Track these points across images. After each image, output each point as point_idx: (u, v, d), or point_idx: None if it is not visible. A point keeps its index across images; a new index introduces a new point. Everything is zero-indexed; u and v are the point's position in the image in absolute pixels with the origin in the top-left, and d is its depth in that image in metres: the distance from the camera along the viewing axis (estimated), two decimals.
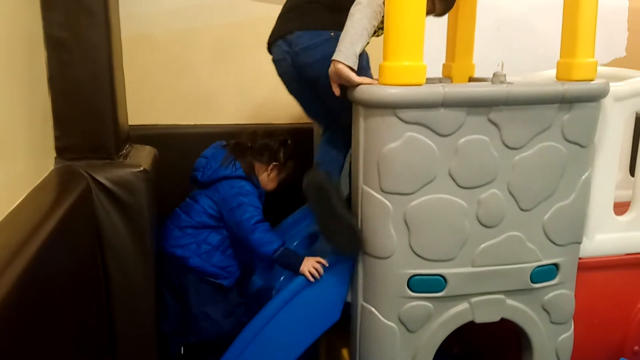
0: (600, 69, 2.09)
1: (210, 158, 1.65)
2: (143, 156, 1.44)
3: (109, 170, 1.29)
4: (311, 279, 1.45)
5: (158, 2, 1.98)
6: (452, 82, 1.91)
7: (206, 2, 2.02)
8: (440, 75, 1.96)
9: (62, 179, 1.21)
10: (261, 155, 1.66)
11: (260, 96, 2.12)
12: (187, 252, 1.56)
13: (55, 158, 1.30)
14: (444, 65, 1.96)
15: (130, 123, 1.60)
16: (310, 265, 1.45)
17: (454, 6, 1.85)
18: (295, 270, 1.46)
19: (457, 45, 1.88)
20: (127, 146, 1.49)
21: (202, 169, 1.63)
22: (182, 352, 1.68)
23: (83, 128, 1.31)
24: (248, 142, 1.68)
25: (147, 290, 1.37)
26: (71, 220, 1.07)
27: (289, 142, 1.71)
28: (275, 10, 2.07)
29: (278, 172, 1.69)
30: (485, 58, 2.30)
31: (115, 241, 1.28)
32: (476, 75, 1.94)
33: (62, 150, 1.30)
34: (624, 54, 2.62)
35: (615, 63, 2.60)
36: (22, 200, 1.04)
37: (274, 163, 1.67)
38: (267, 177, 1.68)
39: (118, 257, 1.29)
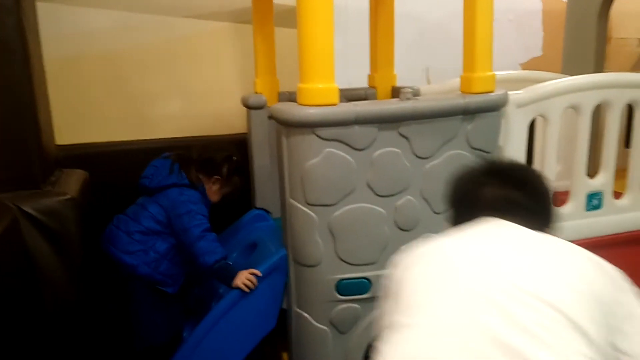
0: (514, 73, 2.28)
1: (159, 167, 1.68)
2: (72, 182, 1.47)
3: (36, 200, 1.31)
4: (246, 289, 1.51)
5: (84, 24, 1.98)
6: (376, 91, 2.01)
7: (132, 22, 2.04)
8: (366, 85, 2.07)
9: None
10: (204, 168, 1.71)
11: (192, 109, 2.17)
12: (136, 259, 1.58)
13: None
14: (368, 75, 2.06)
15: (62, 143, 1.61)
16: (243, 278, 1.51)
17: (374, 19, 1.96)
18: (229, 284, 1.52)
19: (379, 57, 1.98)
20: (56, 172, 1.51)
21: (150, 176, 1.67)
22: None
23: (7, 160, 1.32)
24: (194, 155, 1.72)
25: (80, 315, 1.39)
26: (1, 253, 1.10)
27: (233, 158, 1.76)
28: (202, 26, 2.13)
29: (220, 186, 1.74)
30: (410, 64, 2.45)
31: (46, 268, 1.30)
32: (400, 83, 2.04)
33: None
34: (541, 53, 2.81)
35: (533, 62, 2.80)
36: None
37: (216, 177, 1.72)
38: (211, 190, 1.73)
39: (50, 285, 1.31)
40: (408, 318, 0.79)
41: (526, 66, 2.79)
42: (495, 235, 0.87)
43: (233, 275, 1.52)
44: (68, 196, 1.35)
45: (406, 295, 0.83)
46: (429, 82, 2.62)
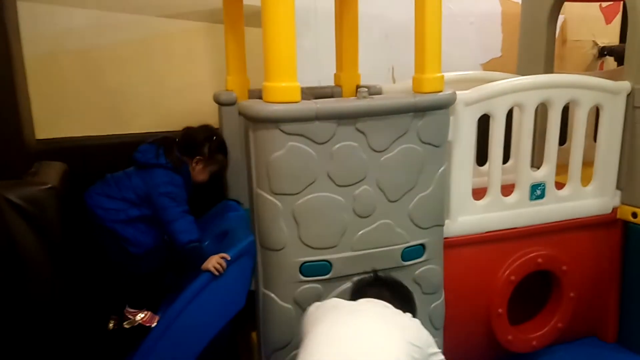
0: (472, 73, 2.43)
1: (148, 149, 1.77)
2: (52, 173, 1.57)
3: (18, 189, 1.41)
4: (216, 273, 1.63)
5: (62, 22, 2.06)
6: (342, 90, 2.14)
7: (108, 21, 2.13)
8: (333, 84, 2.20)
9: None
10: (186, 150, 1.80)
11: (167, 105, 2.26)
12: (108, 215, 1.67)
13: None
14: (335, 75, 2.19)
15: (40, 137, 1.70)
16: (214, 262, 1.63)
17: (339, 20, 2.09)
18: (199, 266, 1.64)
19: (344, 57, 2.11)
20: (36, 163, 1.60)
21: (143, 152, 1.76)
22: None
23: None
24: (176, 137, 1.82)
25: (61, 295, 1.50)
26: None
27: (214, 137, 1.85)
28: (176, 25, 2.23)
29: (204, 166, 1.83)
30: (376, 64, 2.58)
31: (30, 254, 1.40)
32: (365, 82, 2.17)
33: None
34: (500, 54, 2.98)
35: (492, 62, 2.96)
36: None
37: (199, 157, 1.81)
38: (194, 170, 1.82)
39: (32, 268, 1.42)
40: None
41: (486, 66, 2.96)
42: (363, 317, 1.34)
43: (204, 258, 1.64)
44: (49, 185, 1.45)
45: (310, 342, 1.29)
46: (394, 80, 2.76)
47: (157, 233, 1.74)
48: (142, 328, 1.76)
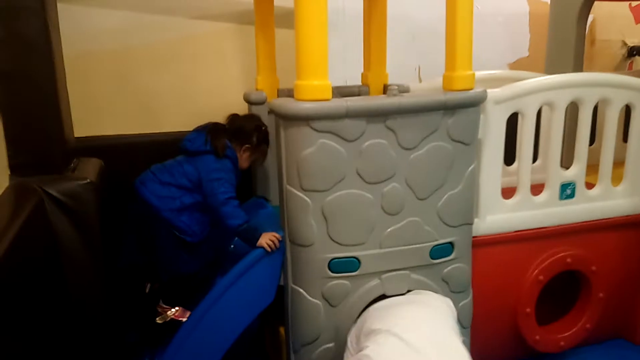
0: (501, 72, 2.42)
1: (198, 135, 1.83)
2: (90, 168, 1.62)
3: (58, 183, 1.46)
4: (268, 249, 1.66)
5: (98, 22, 2.13)
6: (369, 89, 2.16)
7: (142, 22, 2.19)
8: (360, 83, 2.22)
9: (17, 194, 1.38)
10: (236, 137, 1.85)
11: (197, 104, 2.30)
12: (162, 204, 1.73)
13: (10, 175, 1.47)
14: (362, 74, 2.20)
15: (77, 135, 1.76)
16: (267, 239, 1.66)
17: (367, 20, 2.11)
18: (253, 244, 1.67)
19: (372, 56, 2.12)
20: (75, 160, 1.66)
21: (192, 139, 1.82)
22: (147, 290, 1.87)
23: (33, 147, 1.48)
24: (226, 125, 1.87)
25: (100, 289, 1.55)
26: (29, 230, 1.24)
27: (263, 127, 1.91)
28: (207, 27, 2.28)
29: (250, 154, 1.89)
30: (402, 64, 2.60)
31: (69, 246, 1.45)
32: (392, 81, 2.19)
33: (15, 167, 1.47)
34: (527, 53, 2.96)
35: (520, 62, 2.95)
36: None
37: (247, 145, 1.87)
38: (241, 157, 1.87)
39: (72, 261, 1.47)
40: None
41: (514, 66, 2.94)
42: None
43: (257, 236, 1.67)
44: (87, 180, 1.50)
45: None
46: (420, 80, 2.76)
47: (210, 221, 1.79)
48: (173, 322, 1.80)
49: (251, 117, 1.91)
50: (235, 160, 1.83)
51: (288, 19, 2.28)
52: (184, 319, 1.78)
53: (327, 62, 1.49)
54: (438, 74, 2.62)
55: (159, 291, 1.82)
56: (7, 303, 1.05)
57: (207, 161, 1.77)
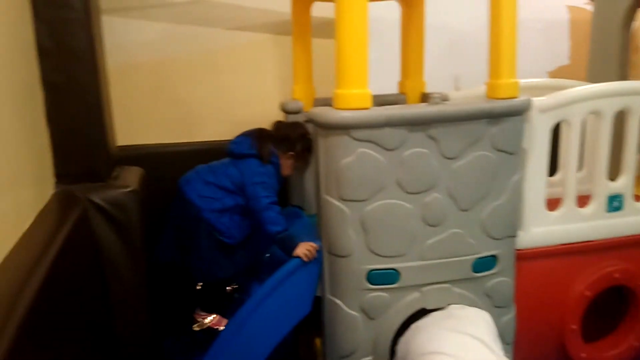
0: (542, 81, 2.36)
1: (243, 139, 1.85)
2: (131, 177, 1.64)
3: (102, 192, 1.48)
4: (305, 259, 1.64)
5: (139, 36, 2.18)
6: (406, 97, 2.13)
7: (181, 34, 2.23)
8: (397, 92, 2.19)
9: (62, 203, 1.40)
10: (280, 144, 1.86)
11: (234, 114, 2.33)
12: (204, 204, 1.74)
13: (55, 183, 1.49)
14: (399, 82, 2.18)
15: (118, 144, 1.79)
16: (304, 248, 1.65)
17: (405, 29, 2.09)
18: (290, 253, 1.65)
19: (409, 65, 2.10)
20: (117, 168, 1.68)
21: (238, 143, 1.84)
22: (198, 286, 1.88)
23: (78, 156, 1.50)
24: (271, 131, 1.89)
25: (141, 296, 1.55)
26: (74, 239, 1.26)
27: (307, 136, 1.91)
28: (243, 38, 2.30)
29: (294, 161, 1.90)
30: (439, 72, 2.56)
31: (112, 254, 1.47)
32: (429, 90, 2.16)
33: (61, 176, 1.49)
34: (568, 61, 2.88)
35: (560, 70, 2.87)
36: (31, 223, 1.23)
37: (291, 152, 1.87)
38: (285, 164, 1.88)
39: (114, 268, 1.48)
40: None
41: (553, 74, 2.87)
42: None
43: (294, 245, 1.66)
44: (130, 188, 1.51)
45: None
46: (457, 89, 2.72)
47: (250, 225, 1.79)
48: (210, 331, 1.80)
49: (297, 125, 1.91)
50: (278, 167, 1.83)
51: (322, 29, 2.29)
52: (221, 328, 1.77)
53: (367, 71, 1.47)
54: (474, 82, 2.59)
55: (196, 297, 1.82)
56: (52, 313, 1.05)
57: (251, 165, 1.78)
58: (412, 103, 2.13)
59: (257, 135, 1.84)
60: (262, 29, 2.32)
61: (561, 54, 2.88)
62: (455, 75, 2.69)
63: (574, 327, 1.88)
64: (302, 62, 2.04)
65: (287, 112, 2.04)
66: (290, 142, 1.86)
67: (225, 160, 1.85)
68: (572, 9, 2.84)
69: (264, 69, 2.34)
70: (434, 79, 2.24)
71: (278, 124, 1.93)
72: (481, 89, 2.09)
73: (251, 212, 1.74)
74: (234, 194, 1.76)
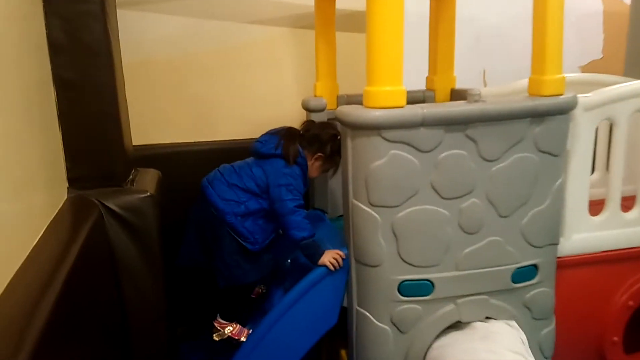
0: (575, 76, 2.23)
1: (269, 138, 1.75)
2: (148, 180, 1.55)
3: (118, 197, 1.39)
4: (332, 268, 1.54)
5: (155, 31, 2.08)
6: (434, 94, 2.02)
7: (199, 29, 2.13)
8: (424, 87, 2.08)
9: (76, 209, 1.32)
10: (310, 144, 1.75)
11: (253, 111, 2.23)
12: (228, 207, 1.64)
13: (68, 188, 1.41)
14: (427, 78, 2.07)
15: (133, 143, 1.71)
16: (330, 257, 1.55)
17: (434, 22, 1.98)
18: (315, 261, 1.56)
19: (439, 59, 1.99)
20: (133, 171, 1.59)
21: (264, 141, 1.74)
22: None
23: (92, 159, 1.41)
24: (301, 130, 1.79)
25: (159, 305, 1.47)
26: (89, 247, 1.17)
27: (338, 137, 1.78)
28: (261, 32, 2.20)
29: (322, 163, 1.78)
30: (466, 67, 2.43)
31: (128, 262, 1.38)
32: (458, 86, 2.05)
33: (74, 180, 1.40)
34: (601, 55, 2.74)
35: (592, 65, 2.73)
36: (44, 232, 1.15)
37: (319, 154, 1.76)
38: (313, 166, 1.77)
39: (131, 277, 1.39)
40: None
41: (586, 69, 2.72)
42: None
43: (320, 253, 1.56)
44: (148, 193, 1.42)
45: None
46: (485, 84, 2.60)
47: (273, 229, 1.70)
48: (230, 340, 1.71)
49: (327, 125, 1.79)
50: (305, 168, 1.73)
51: (345, 21, 2.18)
52: (242, 338, 1.68)
53: (402, 66, 1.37)
54: (503, 79, 2.47)
55: (217, 302, 1.73)
56: (69, 325, 0.98)
57: (276, 165, 1.67)
58: (441, 100, 2.02)
59: (283, 134, 1.73)
60: (282, 23, 2.21)
61: (594, 48, 2.73)
62: (483, 70, 2.56)
63: (616, 339, 1.76)
64: (325, 57, 1.93)
65: (309, 110, 1.94)
66: (320, 143, 1.75)
67: (250, 159, 1.75)
68: (606, 0, 2.69)
69: (284, 65, 2.23)
70: (460, 74, 2.12)
71: (308, 123, 1.82)
72: (515, 85, 1.99)
73: (275, 215, 1.64)
74: (258, 197, 1.67)
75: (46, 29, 1.35)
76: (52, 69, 1.35)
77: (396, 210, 1.44)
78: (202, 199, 1.67)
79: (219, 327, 1.72)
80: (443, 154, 1.42)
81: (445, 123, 1.39)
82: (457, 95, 1.98)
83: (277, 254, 1.79)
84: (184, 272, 1.86)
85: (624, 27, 2.47)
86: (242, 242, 1.64)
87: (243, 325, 1.74)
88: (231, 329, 1.70)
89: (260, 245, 1.67)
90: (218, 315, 1.72)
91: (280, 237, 1.74)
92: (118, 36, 1.56)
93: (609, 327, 1.75)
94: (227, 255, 1.66)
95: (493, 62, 2.57)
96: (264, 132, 2.21)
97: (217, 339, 1.71)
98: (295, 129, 1.78)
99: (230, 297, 1.73)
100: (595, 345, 1.77)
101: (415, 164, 1.41)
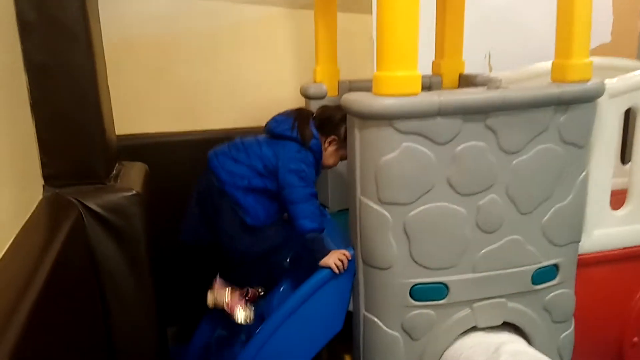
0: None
1: (288, 117, 1.62)
2: (134, 176, 1.40)
3: (100, 195, 1.24)
4: (336, 270, 1.42)
5: (139, 8, 1.91)
6: (442, 79, 1.89)
7: (188, 8, 1.96)
8: (429, 72, 1.94)
9: (53, 210, 1.17)
10: (322, 128, 1.62)
11: (248, 99, 2.09)
12: (230, 178, 1.53)
13: (44, 186, 1.26)
14: (433, 62, 1.93)
15: (116, 134, 1.56)
16: (335, 258, 1.42)
17: (441, 4, 1.84)
18: (318, 259, 1.43)
19: (446, 43, 1.85)
20: (117, 165, 1.44)
21: (279, 122, 1.61)
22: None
23: (70, 153, 1.26)
24: (313, 112, 1.65)
25: (147, 313, 1.34)
26: (68, 253, 1.03)
27: None
28: (255, 11, 2.04)
29: (337, 148, 1.64)
30: (470, 50, 2.30)
31: (111, 269, 1.24)
32: (466, 71, 1.92)
33: (50, 177, 1.25)
34: (610, 39, 2.62)
35: (601, 48, 2.61)
36: (16, 236, 1.01)
37: (333, 136, 1.62)
38: (326, 151, 1.64)
39: (115, 285, 1.25)
40: None
41: (594, 53, 2.60)
42: None
43: (325, 252, 1.44)
44: (133, 191, 1.28)
45: None
46: (490, 68, 2.47)
47: (278, 209, 1.56)
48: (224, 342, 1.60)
49: (340, 108, 1.64)
50: (319, 156, 1.59)
51: (347, 0, 2.03)
52: (237, 316, 1.56)
53: (417, 49, 1.23)
54: (508, 62, 2.34)
55: (220, 265, 1.61)
56: (46, 335, 0.86)
57: (289, 148, 1.53)
58: (448, 86, 1.89)
59: (298, 116, 1.59)
60: (278, 2, 2.05)
61: (602, 31, 2.61)
62: (488, 53, 2.43)
63: (636, 339, 1.68)
64: (325, 39, 1.78)
65: (308, 97, 1.79)
66: (333, 124, 1.60)
67: (261, 137, 1.61)
68: None
69: (281, 48, 2.08)
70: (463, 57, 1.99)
71: (322, 108, 1.67)
72: (532, 69, 1.86)
73: (283, 202, 1.50)
74: (263, 177, 1.53)
75: (15, 6, 1.19)
76: (22, 51, 1.19)
77: (409, 208, 1.31)
78: (206, 171, 1.54)
79: (216, 288, 1.60)
80: (460, 146, 1.29)
81: (463, 112, 1.26)
82: (466, 81, 1.85)
83: (287, 231, 1.66)
84: (176, 268, 1.74)
85: (633, 10, 2.36)
86: (241, 215, 1.51)
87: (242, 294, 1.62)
88: (227, 296, 1.58)
89: (262, 222, 1.54)
90: (218, 274, 1.60)
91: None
92: (98, 14, 1.40)
93: (629, 328, 1.66)
94: (226, 225, 1.54)
95: (498, 44, 2.44)
96: (259, 121, 2.06)
97: (210, 305, 1.60)
98: (307, 110, 1.65)
99: (231, 264, 1.60)
100: (614, 347, 1.68)
101: (430, 158, 1.28)
